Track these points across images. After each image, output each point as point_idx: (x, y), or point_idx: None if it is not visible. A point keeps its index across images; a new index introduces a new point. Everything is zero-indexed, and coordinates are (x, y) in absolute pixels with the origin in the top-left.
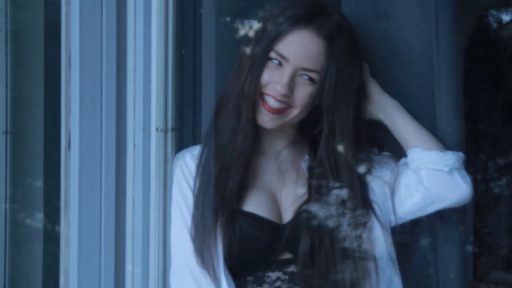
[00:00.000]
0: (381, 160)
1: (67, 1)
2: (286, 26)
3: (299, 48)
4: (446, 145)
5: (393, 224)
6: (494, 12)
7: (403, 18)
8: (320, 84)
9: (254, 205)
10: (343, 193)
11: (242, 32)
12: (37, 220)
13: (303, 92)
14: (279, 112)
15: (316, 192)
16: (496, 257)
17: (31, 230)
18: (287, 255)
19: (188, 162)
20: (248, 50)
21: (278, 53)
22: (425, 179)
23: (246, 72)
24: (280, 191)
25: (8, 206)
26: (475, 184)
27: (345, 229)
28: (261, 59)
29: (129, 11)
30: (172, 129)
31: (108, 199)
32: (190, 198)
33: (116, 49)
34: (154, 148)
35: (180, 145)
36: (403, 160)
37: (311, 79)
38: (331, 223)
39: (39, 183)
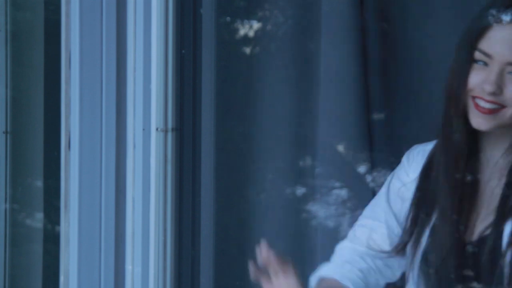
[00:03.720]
0: None
1: (67, 1)
2: (486, 22)
3: (502, 43)
4: None
5: None
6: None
7: None
8: None
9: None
10: None
11: (242, 31)
12: (37, 220)
13: None
14: (492, 112)
15: (501, 217)
16: None
17: (31, 230)
18: (469, 272)
19: (415, 155)
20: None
21: (481, 51)
22: None
23: (452, 77)
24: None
25: (8, 206)
26: None
27: None
28: (466, 61)
29: (129, 11)
30: (172, 129)
31: (108, 199)
32: (397, 185)
33: (116, 49)
34: (154, 148)
35: (180, 145)
36: None
37: None
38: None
39: (39, 183)
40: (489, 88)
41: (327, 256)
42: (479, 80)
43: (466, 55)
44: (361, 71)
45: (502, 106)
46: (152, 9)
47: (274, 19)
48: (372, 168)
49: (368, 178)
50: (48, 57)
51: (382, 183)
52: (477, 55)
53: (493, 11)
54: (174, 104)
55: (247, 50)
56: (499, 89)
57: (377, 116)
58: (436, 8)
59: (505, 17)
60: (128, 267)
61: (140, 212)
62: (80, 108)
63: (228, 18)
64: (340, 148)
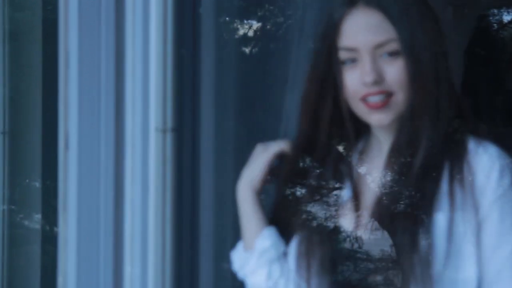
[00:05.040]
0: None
1: (65, 1)
2: (336, 18)
3: (360, 29)
4: None
5: None
6: None
7: None
8: (403, 48)
9: None
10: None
11: (241, 31)
12: (35, 221)
13: (394, 71)
14: (385, 103)
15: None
16: None
17: (29, 231)
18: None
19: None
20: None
21: (345, 48)
22: None
23: (318, 90)
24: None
25: (6, 207)
26: None
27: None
28: (333, 68)
29: (128, 11)
30: (171, 129)
31: (107, 199)
32: None
33: (115, 49)
34: (153, 148)
35: (179, 145)
36: None
37: (392, 54)
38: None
39: (37, 184)
40: (369, 78)
41: None
42: (356, 79)
43: (330, 61)
44: None
45: (390, 94)
46: (150, 9)
47: (273, 19)
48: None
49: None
50: (46, 57)
51: None
52: (343, 54)
53: (338, 4)
54: (173, 104)
55: (246, 50)
56: (379, 76)
57: None
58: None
59: (353, 2)
60: (127, 268)
61: (139, 213)
62: (78, 108)
63: (227, 18)
64: (340, 148)
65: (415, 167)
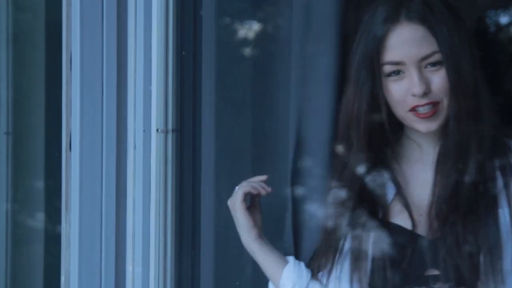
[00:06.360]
0: None
1: (68, 2)
2: (380, 34)
3: (406, 44)
4: None
5: None
6: None
7: None
8: (445, 58)
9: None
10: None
11: (242, 33)
12: (38, 221)
13: (439, 80)
14: (434, 112)
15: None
16: None
17: (32, 231)
18: (434, 272)
19: None
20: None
21: (390, 63)
22: None
23: (361, 102)
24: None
25: (9, 207)
26: None
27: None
28: (377, 81)
29: (130, 13)
30: (172, 130)
31: (109, 200)
32: None
33: (116, 51)
34: (154, 149)
35: (180, 146)
36: None
37: (435, 64)
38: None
39: (40, 184)
40: (418, 90)
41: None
42: (403, 90)
43: (374, 75)
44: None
45: (437, 102)
46: (152, 10)
47: (274, 20)
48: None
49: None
50: (49, 59)
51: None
52: (387, 68)
53: (380, 19)
54: (174, 105)
55: (247, 51)
56: (427, 87)
57: None
58: None
59: (396, 19)
60: (129, 268)
61: (141, 213)
62: (81, 109)
63: (228, 20)
64: (340, 148)
65: (471, 168)
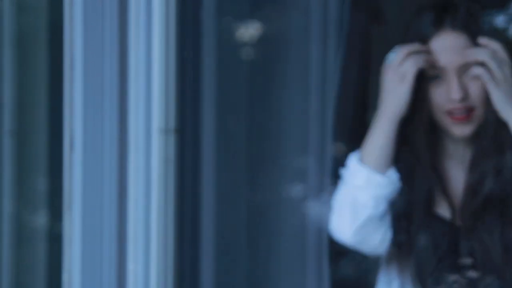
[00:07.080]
0: None
1: (70, 4)
2: (424, 37)
3: (448, 50)
4: None
5: None
6: None
7: None
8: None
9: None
10: None
11: (243, 33)
12: (41, 220)
13: (477, 88)
14: (469, 116)
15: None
16: None
17: (35, 229)
18: (468, 259)
19: None
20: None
21: (433, 66)
22: None
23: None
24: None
25: (12, 205)
26: None
27: None
28: (421, 83)
29: (131, 13)
30: (174, 130)
31: (111, 199)
32: None
33: (118, 51)
34: (156, 149)
35: (182, 146)
36: None
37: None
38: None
39: (43, 184)
40: (456, 95)
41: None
42: (443, 95)
43: (417, 78)
44: (362, 73)
45: (472, 108)
46: (153, 11)
47: (275, 22)
48: None
49: None
50: (52, 59)
51: None
52: (429, 72)
53: (426, 24)
54: (175, 105)
55: (248, 51)
56: (465, 93)
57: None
58: None
59: (441, 26)
60: (130, 266)
61: (142, 212)
62: (83, 109)
63: (229, 20)
64: (340, 148)
65: (506, 164)
